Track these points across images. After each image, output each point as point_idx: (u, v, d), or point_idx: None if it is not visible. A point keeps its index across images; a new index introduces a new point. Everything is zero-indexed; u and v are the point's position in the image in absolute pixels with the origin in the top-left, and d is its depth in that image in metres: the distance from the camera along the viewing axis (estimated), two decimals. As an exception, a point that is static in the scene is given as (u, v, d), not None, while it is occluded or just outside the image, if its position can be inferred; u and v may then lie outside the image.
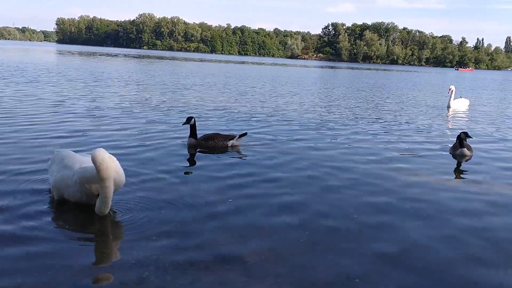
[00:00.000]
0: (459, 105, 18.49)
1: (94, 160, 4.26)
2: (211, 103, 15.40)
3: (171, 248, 4.03)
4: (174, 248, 4.05)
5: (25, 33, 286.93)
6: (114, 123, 10.20)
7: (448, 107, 18.25)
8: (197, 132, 8.33)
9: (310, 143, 9.25)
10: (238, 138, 8.43)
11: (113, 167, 4.44)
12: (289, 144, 8.98)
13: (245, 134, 8.65)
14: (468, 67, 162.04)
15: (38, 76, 22.40)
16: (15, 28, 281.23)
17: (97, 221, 4.54)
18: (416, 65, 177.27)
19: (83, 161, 4.78)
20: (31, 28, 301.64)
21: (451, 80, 54.57)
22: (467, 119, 15.33)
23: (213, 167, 6.92)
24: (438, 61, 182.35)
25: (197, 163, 7.15)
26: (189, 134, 8.30)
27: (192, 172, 6.60)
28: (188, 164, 7.10)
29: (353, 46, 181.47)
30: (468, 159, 8.44)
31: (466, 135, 8.59)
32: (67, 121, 10.00)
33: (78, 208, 4.78)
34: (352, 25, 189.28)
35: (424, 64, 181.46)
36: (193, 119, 8.24)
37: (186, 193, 5.55)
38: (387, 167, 7.55)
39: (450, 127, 13.54)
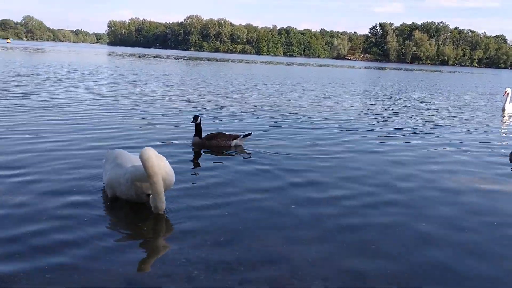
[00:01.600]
0: (516, 108, 17.69)
1: (141, 158, 4.39)
2: (255, 105, 15.45)
3: (219, 248, 4.08)
4: (222, 248, 4.09)
5: (79, 36, 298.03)
6: (164, 123, 10.43)
7: (503, 110, 17.52)
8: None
9: (365, 145, 9.11)
10: (242, 137, 8.37)
11: (161, 165, 4.54)
12: (339, 147, 8.87)
13: (249, 134, 8.54)
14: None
15: (97, 76, 23.21)
16: (69, 30, 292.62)
17: (148, 219, 4.66)
18: (467, 66, 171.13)
19: (135, 160, 4.91)
20: (84, 30, 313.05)
21: (506, 82, 52.27)
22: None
23: (260, 170, 6.92)
24: (491, 62, 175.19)
25: (242, 166, 7.17)
26: (194, 132, 8.32)
27: (239, 174, 6.61)
28: (234, 165, 7.12)
29: (402, 46, 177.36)
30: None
31: None
32: (116, 120, 10.29)
33: (130, 206, 4.91)
34: (401, 25, 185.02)
35: (476, 65, 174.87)
36: (199, 118, 8.24)
37: (236, 195, 5.60)
38: (445, 169, 7.34)
39: (506, 131, 12.98)
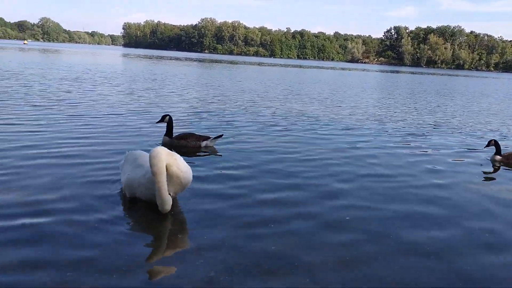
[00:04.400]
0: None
1: (149, 156, 4.42)
2: (268, 107, 15.44)
3: (238, 251, 4.06)
4: (240, 250, 4.07)
5: (94, 37, 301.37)
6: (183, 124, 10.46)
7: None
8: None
9: (381, 151, 9.05)
10: (213, 139, 8.31)
11: (174, 163, 4.55)
12: (356, 152, 8.82)
13: (221, 135, 8.47)
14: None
15: (113, 77, 23.41)
16: (85, 32, 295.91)
17: (166, 219, 4.66)
18: (484, 70, 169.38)
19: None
20: (100, 32, 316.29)
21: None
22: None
23: (281, 169, 6.89)
24: (509, 66, 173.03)
25: (259, 166, 7.14)
26: (165, 132, 8.29)
27: (259, 174, 6.60)
28: (258, 165, 7.09)
29: (417, 50, 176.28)
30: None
31: None
32: (131, 121, 10.35)
33: (149, 207, 4.92)
34: (416, 28, 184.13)
35: (492, 69, 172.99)
36: (168, 116, 8.20)
37: (255, 196, 5.59)
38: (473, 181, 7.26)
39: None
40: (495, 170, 8.04)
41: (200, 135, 8.33)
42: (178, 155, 4.78)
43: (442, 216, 5.37)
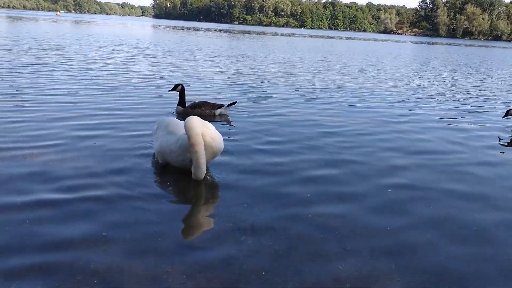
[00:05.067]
0: None
1: (185, 127, 4.50)
2: (298, 77, 15.34)
3: (266, 215, 4.13)
4: (269, 215, 4.14)
5: (125, 9, 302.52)
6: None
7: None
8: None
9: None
10: (226, 107, 8.21)
11: (206, 132, 4.62)
12: (394, 126, 8.73)
13: (234, 102, 8.35)
14: None
15: (149, 48, 23.62)
16: (116, 3, 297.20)
17: (197, 186, 4.76)
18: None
19: (188, 128, 5.02)
20: (130, 3, 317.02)
21: None
22: None
23: (325, 145, 6.90)
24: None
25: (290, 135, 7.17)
26: (177, 101, 8.26)
27: (299, 149, 6.53)
28: (279, 133, 7.13)
29: (452, 21, 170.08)
30: None
31: None
32: (168, 93, 10.49)
33: (180, 172, 5.04)
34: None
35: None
36: (180, 86, 8.11)
37: (283, 162, 5.64)
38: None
39: None
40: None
41: (214, 103, 8.26)
42: (210, 124, 4.86)
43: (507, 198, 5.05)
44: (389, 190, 4.94)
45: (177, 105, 8.26)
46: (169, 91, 8.67)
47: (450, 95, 13.43)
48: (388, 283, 3.20)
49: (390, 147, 6.82)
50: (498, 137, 8.00)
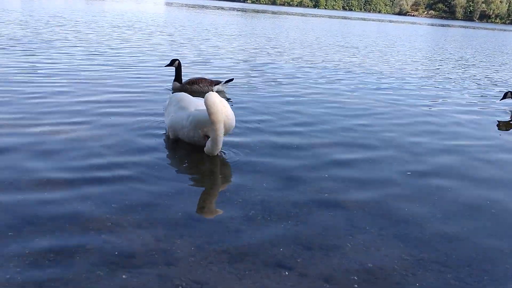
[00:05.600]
0: None
1: (205, 103, 4.49)
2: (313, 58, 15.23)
3: (276, 190, 4.16)
4: (279, 190, 4.17)
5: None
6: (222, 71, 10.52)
7: None
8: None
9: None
10: (224, 83, 8.16)
11: (223, 110, 4.63)
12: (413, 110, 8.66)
13: (231, 79, 8.29)
14: None
15: (164, 26, 23.56)
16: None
17: (207, 160, 4.79)
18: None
19: (198, 104, 5.03)
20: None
21: None
22: None
23: (331, 115, 6.90)
24: None
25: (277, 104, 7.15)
26: (174, 77, 8.18)
27: (304, 121, 6.60)
28: (299, 111, 7.12)
29: (469, 3, 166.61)
30: None
31: None
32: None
33: (191, 147, 5.07)
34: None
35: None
36: (177, 61, 8.01)
37: (295, 141, 5.66)
38: None
39: None
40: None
41: (211, 80, 8.21)
42: (226, 102, 4.87)
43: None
44: (420, 179, 4.78)
45: (174, 81, 8.19)
46: (165, 66, 8.50)
47: (473, 79, 13.22)
48: (419, 272, 3.09)
49: (415, 132, 6.70)
50: None
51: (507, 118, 8.13)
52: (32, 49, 11.59)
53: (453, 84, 11.74)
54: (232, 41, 18.94)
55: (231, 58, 13.47)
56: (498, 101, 9.10)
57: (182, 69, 8.27)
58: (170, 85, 8.37)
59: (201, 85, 8.03)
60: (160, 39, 17.16)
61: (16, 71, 8.64)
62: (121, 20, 26.10)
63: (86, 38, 14.98)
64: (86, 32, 16.98)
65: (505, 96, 8.50)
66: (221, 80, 8.31)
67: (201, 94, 7.78)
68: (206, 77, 8.35)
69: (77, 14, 27.87)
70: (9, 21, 18.71)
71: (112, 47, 13.32)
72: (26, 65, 9.38)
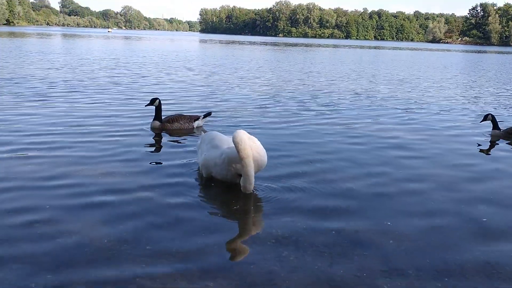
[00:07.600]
0: None
1: (233, 141, 4.56)
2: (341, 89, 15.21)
3: (309, 230, 4.11)
4: (312, 230, 4.11)
5: (173, 24, 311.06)
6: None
7: None
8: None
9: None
10: (202, 118, 8.08)
11: (253, 147, 4.67)
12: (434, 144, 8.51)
13: (209, 113, 8.19)
14: None
15: (196, 63, 24.20)
16: (164, 19, 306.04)
17: (241, 199, 4.80)
18: None
19: (230, 141, 5.08)
20: (178, 18, 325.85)
21: None
22: None
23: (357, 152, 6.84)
24: None
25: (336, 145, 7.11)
26: (153, 117, 7.92)
27: (334, 156, 6.55)
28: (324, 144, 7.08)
29: (505, 28, 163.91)
30: None
31: None
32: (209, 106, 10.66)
33: (224, 186, 5.10)
34: (505, 5, 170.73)
35: None
36: (157, 100, 7.84)
37: (329, 178, 5.60)
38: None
39: None
40: None
41: (190, 115, 8.14)
42: (256, 138, 4.92)
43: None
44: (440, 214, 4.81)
45: (154, 120, 7.94)
46: (145, 106, 8.20)
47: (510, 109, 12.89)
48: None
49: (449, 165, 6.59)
50: None
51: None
52: (79, 91, 12.08)
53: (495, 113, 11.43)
54: (262, 75, 19.19)
55: (256, 91, 13.63)
56: (480, 122, 9.08)
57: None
58: (148, 125, 8.10)
59: (181, 122, 7.93)
60: (194, 76, 17.60)
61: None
62: (161, 58, 26.86)
63: (129, 74, 15.52)
64: (129, 69, 17.60)
65: (485, 118, 8.56)
66: (199, 115, 8.28)
67: (182, 131, 7.82)
68: (183, 113, 8.33)
69: (121, 53, 28.90)
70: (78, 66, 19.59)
71: (155, 83, 13.71)
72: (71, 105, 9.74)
